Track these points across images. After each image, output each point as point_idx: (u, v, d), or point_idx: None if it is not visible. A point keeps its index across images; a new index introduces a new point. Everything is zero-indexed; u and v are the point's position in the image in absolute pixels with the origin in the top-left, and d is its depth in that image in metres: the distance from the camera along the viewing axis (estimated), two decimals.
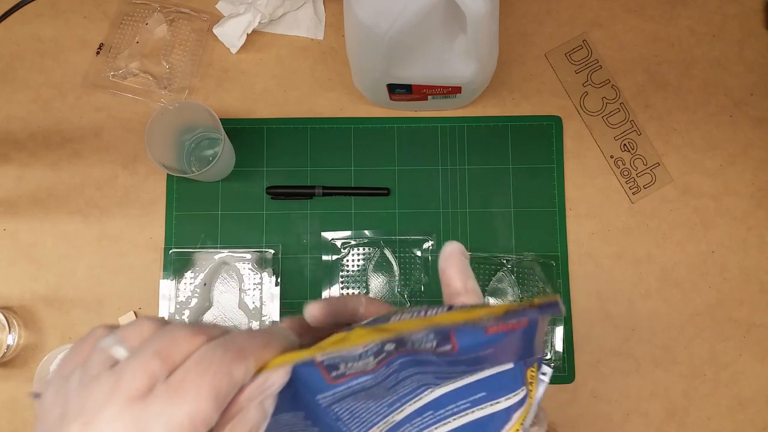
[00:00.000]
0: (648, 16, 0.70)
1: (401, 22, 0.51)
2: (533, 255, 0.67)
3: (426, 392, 0.29)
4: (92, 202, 0.68)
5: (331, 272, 0.67)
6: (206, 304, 0.66)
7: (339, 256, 0.67)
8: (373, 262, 0.67)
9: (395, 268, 0.67)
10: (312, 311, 0.35)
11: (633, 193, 0.68)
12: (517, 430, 0.28)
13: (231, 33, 0.68)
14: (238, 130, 0.69)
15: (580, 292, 0.66)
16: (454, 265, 0.37)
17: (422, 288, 0.66)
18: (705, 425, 0.65)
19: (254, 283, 0.66)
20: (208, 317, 0.66)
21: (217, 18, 0.70)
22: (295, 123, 0.69)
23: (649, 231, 0.67)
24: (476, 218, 0.67)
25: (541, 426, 0.33)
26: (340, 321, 0.37)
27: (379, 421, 0.29)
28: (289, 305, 0.66)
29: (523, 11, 0.71)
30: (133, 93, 0.69)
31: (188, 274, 0.66)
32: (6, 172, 0.68)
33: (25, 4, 0.70)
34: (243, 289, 0.66)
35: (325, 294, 0.66)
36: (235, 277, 0.67)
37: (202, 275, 0.66)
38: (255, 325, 0.66)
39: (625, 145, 0.69)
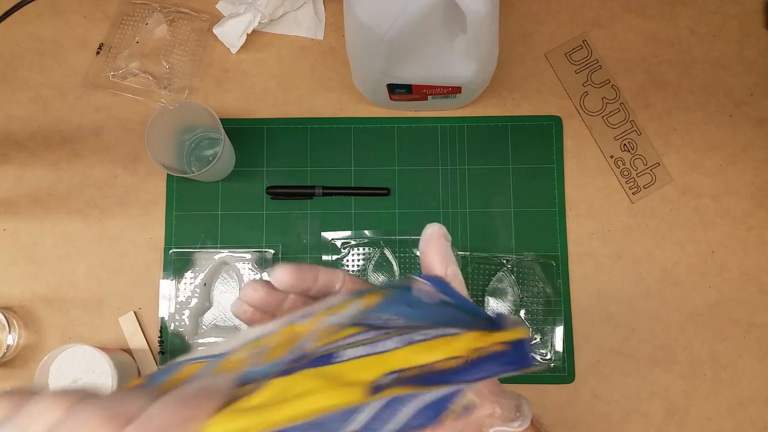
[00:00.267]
0: (648, 16, 0.70)
1: (401, 22, 0.51)
2: (533, 255, 0.67)
3: None
4: (92, 202, 0.68)
5: None
6: (206, 304, 0.66)
7: (339, 256, 0.67)
8: (373, 262, 0.67)
9: (395, 268, 0.67)
10: (280, 275, 0.32)
11: (633, 193, 0.68)
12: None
13: (231, 33, 0.68)
14: (238, 130, 0.69)
15: (580, 292, 0.66)
16: (434, 248, 0.35)
17: None
18: (705, 425, 0.65)
19: None
20: (208, 317, 0.66)
21: (217, 18, 0.70)
22: (295, 123, 0.69)
23: (649, 231, 0.67)
24: (476, 218, 0.67)
25: (524, 420, 0.33)
26: (310, 292, 0.34)
27: None
28: None
29: (523, 11, 0.71)
30: (133, 93, 0.69)
31: (188, 274, 0.66)
32: (6, 172, 0.68)
33: (25, 4, 0.70)
34: None
35: None
36: (235, 277, 0.67)
37: (202, 275, 0.66)
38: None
39: (625, 145, 0.69)
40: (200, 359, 0.27)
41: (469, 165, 0.68)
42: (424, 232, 0.36)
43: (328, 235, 0.67)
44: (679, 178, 0.68)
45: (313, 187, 0.67)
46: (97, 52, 0.70)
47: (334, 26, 0.70)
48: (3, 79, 0.69)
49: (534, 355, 0.65)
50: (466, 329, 0.27)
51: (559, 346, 0.65)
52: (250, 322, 0.35)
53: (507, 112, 0.69)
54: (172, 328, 0.65)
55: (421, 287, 0.32)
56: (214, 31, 0.69)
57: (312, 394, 0.23)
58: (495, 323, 0.29)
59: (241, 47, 0.69)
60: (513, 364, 0.26)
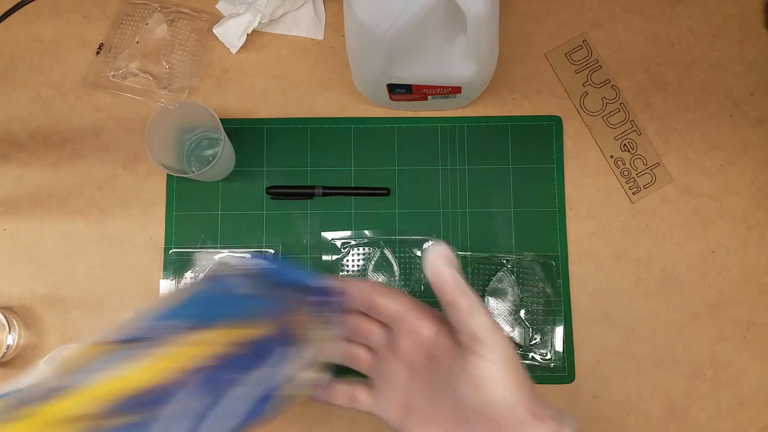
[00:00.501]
0: (648, 16, 0.70)
1: (401, 22, 0.51)
2: (533, 255, 0.67)
3: None
4: (92, 202, 0.68)
5: (331, 272, 0.67)
6: None
7: (339, 256, 0.67)
8: (373, 262, 0.67)
9: (395, 268, 0.67)
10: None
11: (633, 193, 0.68)
12: None
13: (231, 33, 0.68)
14: (238, 130, 0.69)
15: (580, 292, 0.66)
16: (444, 282, 0.35)
17: (422, 288, 0.66)
18: (705, 425, 0.65)
19: None
20: None
21: (217, 18, 0.70)
22: (295, 123, 0.69)
23: (649, 231, 0.67)
24: (476, 218, 0.67)
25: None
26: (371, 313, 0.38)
27: None
28: None
29: (523, 11, 0.71)
30: (133, 93, 0.69)
31: (188, 274, 0.66)
32: (6, 172, 0.68)
33: (25, 4, 0.70)
34: None
35: None
36: None
37: (202, 275, 0.66)
38: None
39: (625, 145, 0.69)
40: None
41: (469, 165, 0.68)
42: (426, 256, 0.36)
43: (328, 235, 0.67)
44: (679, 178, 0.68)
45: (313, 187, 0.67)
46: (97, 52, 0.70)
47: (334, 26, 0.70)
48: (3, 79, 0.69)
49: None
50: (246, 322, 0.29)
51: (559, 346, 0.65)
52: None
53: (507, 112, 0.69)
54: None
55: (230, 280, 0.33)
56: (214, 31, 0.69)
57: None
58: (316, 292, 0.30)
59: (241, 47, 0.69)
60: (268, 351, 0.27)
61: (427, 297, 0.66)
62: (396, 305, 0.40)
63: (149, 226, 0.67)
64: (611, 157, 0.68)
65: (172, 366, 0.26)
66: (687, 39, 0.70)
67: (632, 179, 0.68)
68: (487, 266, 0.67)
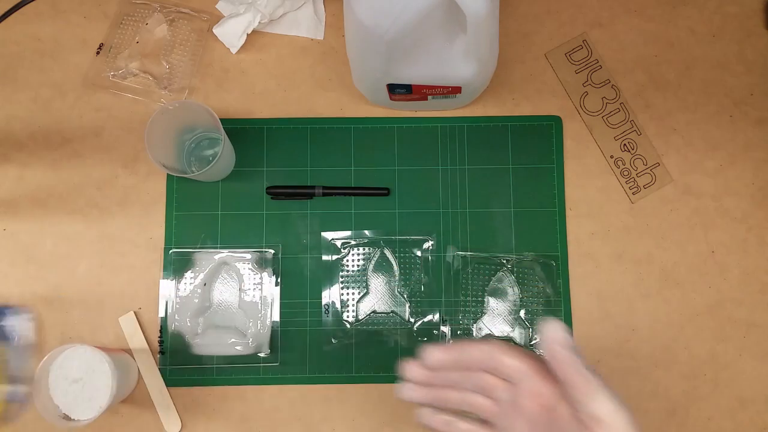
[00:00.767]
0: (648, 16, 0.70)
1: (401, 22, 0.51)
2: (533, 255, 0.67)
3: None
4: (92, 202, 0.68)
5: (331, 272, 0.67)
6: (206, 304, 0.66)
7: (339, 256, 0.67)
8: (373, 262, 0.67)
9: (395, 268, 0.67)
10: (433, 356, 0.38)
11: (633, 193, 0.68)
12: None
13: (231, 33, 0.68)
14: (238, 130, 0.69)
15: (580, 292, 0.66)
16: (564, 363, 0.37)
17: (422, 288, 0.66)
18: (705, 425, 0.65)
19: (254, 283, 0.66)
20: (208, 317, 0.66)
21: (217, 18, 0.70)
22: (295, 123, 0.69)
23: (649, 231, 0.67)
24: (476, 218, 0.67)
25: None
26: (470, 368, 0.39)
27: None
28: (289, 305, 0.66)
29: (523, 11, 0.71)
30: (133, 93, 0.69)
31: (188, 274, 0.66)
32: (6, 172, 0.68)
33: (25, 4, 0.70)
34: (243, 289, 0.66)
35: (325, 294, 0.66)
36: (235, 277, 0.67)
37: (202, 275, 0.66)
38: (255, 325, 0.66)
39: (625, 145, 0.69)
40: None
41: (469, 165, 0.68)
42: (541, 335, 0.37)
43: (328, 235, 0.67)
44: (679, 178, 0.68)
45: (313, 187, 0.67)
46: (97, 52, 0.70)
47: (334, 26, 0.70)
48: (3, 79, 0.69)
49: None
50: None
51: None
52: (417, 399, 0.42)
53: (507, 112, 0.69)
54: (172, 328, 0.65)
55: None
56: (214, 31, 0.69)
57: None
58: None
59: (241, 47, 0.69)
60: None
61: (427, 297, 0.66)
62: (520, 365, 0.40)
63: (149, 226, 0.67)
64: (611, 157, 0.68)
65: None
66: (687, 39, 0.70)
67: (632, 179, 0.68)
68: (487, 266, 0.67)
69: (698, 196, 0.68)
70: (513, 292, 0.66)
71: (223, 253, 0.66)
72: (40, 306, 0.66)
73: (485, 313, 0.66)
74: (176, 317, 0.66)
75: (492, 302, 0.66)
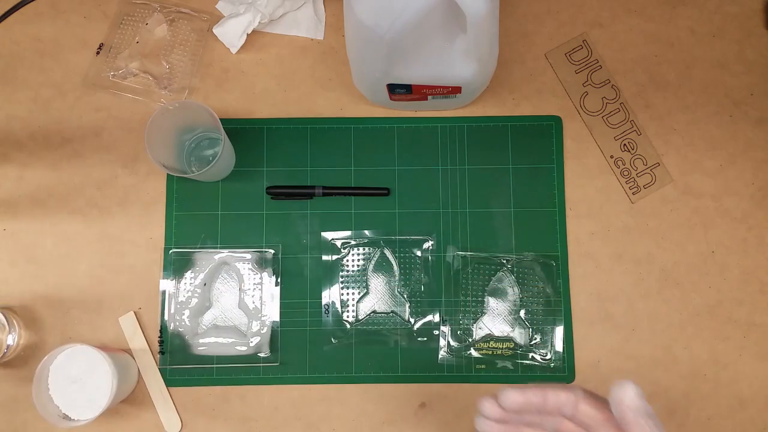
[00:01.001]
0: (648, 16, 0.70)
1: (401, 22, 0.51)
2: (533, 255, 0.67)
3: None
4: (92, 202, 0.68)
5: (331, 272, 0.67)
6: (206, 304, 0.66)
7: (339, 256, 0.67)
8: (373, 262, 0.67)
9: (395, 268, 0.67)
10: (509, 398, 0.39)
11: (633, 193, 0.68)
12: None
13: (231, 33, 0.68)
14: (238, 130, 0.69)
15: (580, 292, 0.66)
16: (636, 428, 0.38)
17: (422, 288, 0.66)
18: (705, 425, 0.65)
19: (254, 283, 0.66)
20: (208, 317, 0.66)
21: (217, 18, 0.70)
22: (295, 123, 0.69)
23: (649, 231, 0.67)
24: (476, 218, 0.67)
25: None
26: (543, 410, 0.40)
27: None
28: (289, 305, 0.66)
29: (523, 11, 0.71)
30: (133, 93, 0.69)
31: (188, 274, 0.66)
32: (6, 172, 0.68)
33: (25, 4, 0.70)
34: (243, 289, 0.66)
35: (325, 294, 0.66)
36: (235, 277, 0.67)
37: (202, 275, 0.66)
38: (255, 325, 0.66)
39: (625, 145, 0.69)
40: None
41: (469, 165, 0.68)
42: (615, 395, 0.38)
43: (328, 235, 0.67)
44: (679, 178, 0.68)
45: (313, 187, 0.67)
46: (97, 52, 0.70)
47: (334, 26, 0.70)
48: (3, 79, 0.69)
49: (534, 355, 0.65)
50: None
51: (559, 346, 0.65)
52: None
53: (507, 112, 0.69)
54: (172, 328, 0.65)
55: None
56: (214, 31, 0.69)
57: None
58: None
59: (241, 47, 0.69)
60: None
61: (427, 297, 0.66)
62: (596, 414, 0.42)
63: (149, 226, 0.67)
64: (611, 157, 0.68)
65: None
66: (687, 39, 0.70)
67: (632, 179, 0.68)
68: (487, 266, 0.67)
69: (698, 196, 0.68)
70: (513, 292, 0.66)
71: (223, 253, 0.66)
72: (40, 306, 0.66)
73: (485, 313, 0.66)
74: (176, 317, 0.66)
75: (492, 302, 0.66)
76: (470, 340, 0.66)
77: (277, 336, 0.66)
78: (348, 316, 0.66)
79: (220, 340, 0.65)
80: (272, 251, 0.67)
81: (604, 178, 0.68)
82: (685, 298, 0.66)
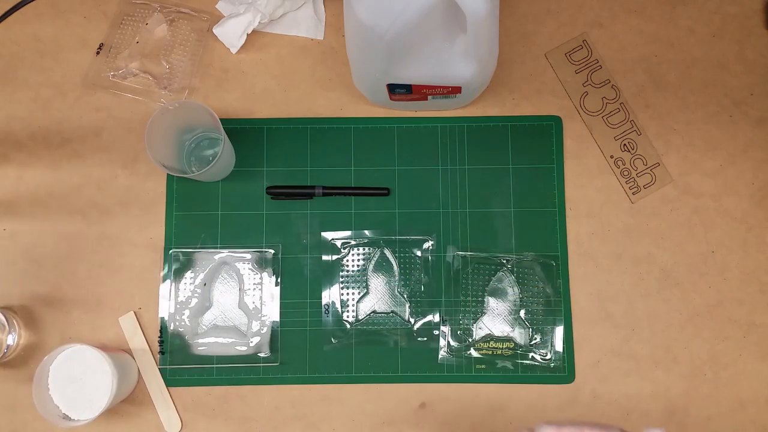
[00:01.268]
0: (648, 16, 0.70)
1: (401, 22, 0.51)
2: (533, 255, 0.67)
3: None
4: (92, 202, 0.68)
5: (331, 272, 0.67)
6: (206, 304, 0.66)
7: (339, 256, 0.67)
8: (373, 262, 0.67)
9: (395, 268, 0.67)
10: None
11: (633, 193, 0.68)
12: None
13: (231, 33, 0.68)
14: (238, 130, 0.69)
15: (580, 292, 0.66)
16: None
17: (422, 288, 0.66)
18: (705, 425, 0.65)
19: (254, 283, 0.66)
20: (208, 317, 0.66)
21: (217, 18, 0.70)
22: (295, 123, 0.69)
23: (649, 231, 0.67)
24: (476, 218, 0.67)
25: None
26: None
27: None
28: (289, 305, 0.66)
29: (523, 11, 0.71)
30: (133, 93, 0.69)
31: (188, 274, 0.66)
32: (6, 172, 0.68)
33: (25, 4, 0.70)
34: (243, 289, 0.66)
35: (325, 294, 0.66)
36: (235, 277, 0.67)
37: (202, 275, 0.66)
38: (255, 325, 0.66)
39: (625, 145, 0.69)
40: None
41: (469, 165, 0.68)
42: None
43: (328, 235, 0.67)
44: (679, 178, 0.68)
45: (313, 187, 0.67)
46: (97, 52, 0.70)
47: (334, 26, 0.70)
48: (3, 79, 0.69)
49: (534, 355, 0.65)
50: None
51: (559, 346, 0.65)
52: None
53: (507, 112, 0.69)
54: (172, 328, 0.66)
55: None
56: (214, 31, 0.69)
57: None
58: None
59: (241, 47, 0.69)
60: None
61: (427, 297, 0.66)
62: None
63: (149, 226, 0.67)
64: (611, 157, 0.68)
65: None
66: (687, 39, 0.70)
67: (632, 179, 0.68)
68: (487, 266, 0.67)
69: (698, 196, 0.68)
70: (513, 292, 0.66)
71: (223, 253, 0.66)
72: (40, 306, 0.66)
73: (485, 313, 0.66)
74: (176, 317, 0.66)
75: (492, 302, 0.66)
76: (470, 340, 0.66)
77: (277, 336, 0.66)
78: (348, 316, 0.66)
79: (220, 340, 0.65)
80: (272, 251, 0.67)
81: (604, 178, 0.68)
82: (685, 298, 0.66)
